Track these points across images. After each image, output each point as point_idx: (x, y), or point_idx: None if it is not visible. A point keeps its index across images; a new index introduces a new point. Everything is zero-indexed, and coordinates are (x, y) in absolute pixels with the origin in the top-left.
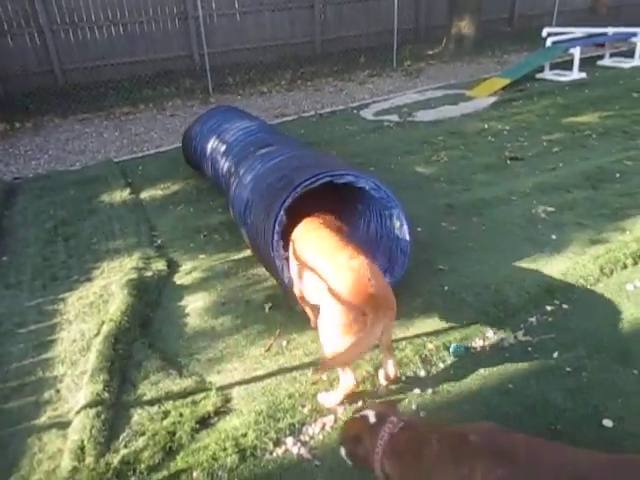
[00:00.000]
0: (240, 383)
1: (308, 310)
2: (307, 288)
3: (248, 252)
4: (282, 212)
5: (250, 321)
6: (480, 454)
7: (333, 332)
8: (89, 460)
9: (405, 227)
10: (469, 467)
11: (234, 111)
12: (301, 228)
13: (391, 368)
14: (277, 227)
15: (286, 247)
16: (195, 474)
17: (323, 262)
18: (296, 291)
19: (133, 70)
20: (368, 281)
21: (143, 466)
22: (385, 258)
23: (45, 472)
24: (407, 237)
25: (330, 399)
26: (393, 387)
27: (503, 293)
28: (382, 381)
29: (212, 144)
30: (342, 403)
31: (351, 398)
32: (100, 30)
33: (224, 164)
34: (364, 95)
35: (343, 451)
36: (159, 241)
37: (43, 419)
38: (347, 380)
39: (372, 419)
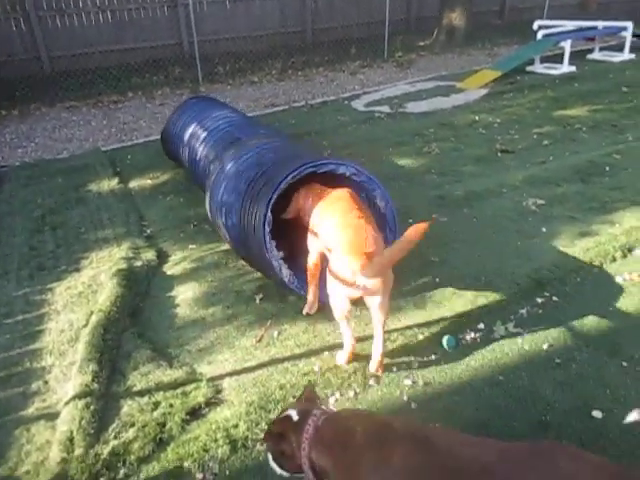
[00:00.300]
0: (231, 374)
1: (312, 290)
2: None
3: None
4: (269, 212)
5: (241, 312)
6: (402, 440)
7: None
8: (78, 451)
9: (390, 205)
10: (390, 451)
11: (209, 101)
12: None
13: (377, 349)
14: (267, 227)
15: (279, 246)
16: (186, 465)
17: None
18: (310, 262)
19: (121, 58)
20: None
21: (133, 457)
22: None
23: (33, 463)
24: (394, 215)
25: (341, 356)
26: (385, 379)
27: (494, 285)
28: (372, 369)
29: (190, 131)
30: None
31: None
32: (88, 17)
33: (199, 154)
34: (355, 86)
35: (270, 457)
36: (148, 231)
37: (31, 410)
38: (344, 335)
39: (295, 417)
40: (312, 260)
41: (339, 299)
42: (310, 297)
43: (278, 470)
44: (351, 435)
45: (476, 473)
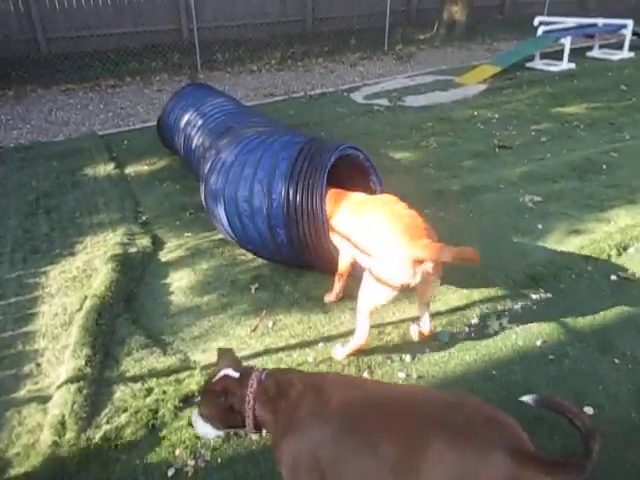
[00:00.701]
0: None
1: (341, 284)
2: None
3: None
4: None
5: (236, 301)
6: (336, 385)
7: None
8: (70, 435)
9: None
10: (327, 394)
11: (207, 89)
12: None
13: (426, 323)
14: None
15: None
16: (177, 452)
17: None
18: (343, 266)
19: (120, 42)
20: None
21: (125, 443)
22: None
23: (24, 446)
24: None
25: (341, 350)
26: (379, 372)
27: (488, 280)
28: (414, 337)
29: (186, 120)
30: (349, 356)
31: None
32: None
33: (196, 142)
34: (354, 78)
35: (199, 416)
36: (144, 217)
37: (23, 393)
38: (363, 330)
39: (235, 374)
40: (345, 263)
41: (386, 291)
42: (337, 288)
43: (207, 431)
44: (291, 385)
45: (402, 406)
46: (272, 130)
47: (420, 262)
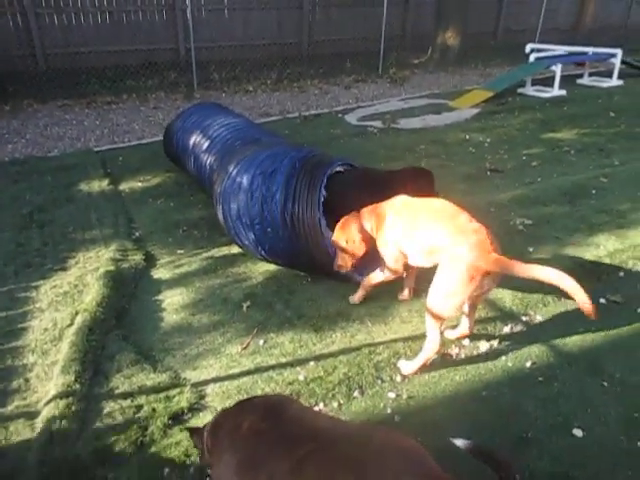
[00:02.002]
0: (215, 380)
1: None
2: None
3: (227, 249)
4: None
5: (227, 319)
6: (254, 410)
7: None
8: (57, 452)
9: None
10: (243, 418)
11: (217, 107)
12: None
13: (471, 324)
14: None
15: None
16: (166, 470)
17: (440, 225)
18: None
19: (117, 59)
20: (491, 244)
21: (114, 459)
22: None
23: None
24: None
25: (410, 366)
26: (369, 391)
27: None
28: (452, 336)
29: (195, 139)
30: (419, 372)
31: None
32: (86, 16)
33: (207, 159)
34: (349, 99)
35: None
36: (137, 233)
37: (11, 408)
38: (433, 342)
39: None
40: (381, 277)
41: (455, 302)
42: (364, 292)
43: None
44: (224, 414)
45: (305, 438)
46: (280, 148)
47: (488, 274)
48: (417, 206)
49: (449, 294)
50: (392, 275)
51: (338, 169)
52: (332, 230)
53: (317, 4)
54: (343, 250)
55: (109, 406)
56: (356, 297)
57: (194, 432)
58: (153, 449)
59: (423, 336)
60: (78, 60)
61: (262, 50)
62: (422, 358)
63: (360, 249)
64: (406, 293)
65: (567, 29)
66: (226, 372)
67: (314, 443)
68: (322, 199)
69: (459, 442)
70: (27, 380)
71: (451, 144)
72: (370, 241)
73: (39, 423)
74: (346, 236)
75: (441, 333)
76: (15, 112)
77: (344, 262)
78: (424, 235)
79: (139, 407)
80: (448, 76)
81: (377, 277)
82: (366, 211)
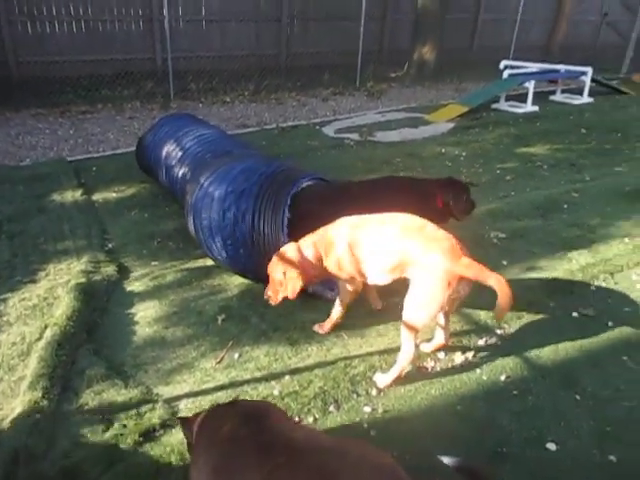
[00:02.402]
0: (188, 395)
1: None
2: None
3: (202, 261)
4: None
5: (202, 332)
6: (235, 416)
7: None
8: (23, 472)
9: None
10: (223, 423)
11: (190, 118)
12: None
13: (446, 335)
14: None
15: None
16: None
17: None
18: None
19: (93, 68)
20: (461, 249)
21: (83, 478)
22: None
23: None
24: None
25: (385, 379)
26: (345, 406)
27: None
28: (428, 349)
29: (167, 150)
30: (394, 384)
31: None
32: (60, 25)
33: (179, 171)
34: (326, 112)
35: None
36: (110, 245)
37: None
38: (408, 353)
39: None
40: (350, 291)
41: (436, 308)
42: (332, 324)
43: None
44: (213, 412)
45: (280, 449)
46: (252, 161)
47: (462, 279)
48: (376, 223)
49: (426, 303)
50: (351, 297)
51: (308, 183)
52: None
53: (295, 17)
54: (278, 282)
55: (78, 423)
56: (325, 328)
57: (186, 422)
58: (123, 467)
59: (399, 349)
60: (52, 69)
61: (240, 61)
62: (397, 370)
63: (297, 282)
64: (377, 303)
65: (540, 46)
66: (200, 387)
67: (287, 454)
68: (286, 220)
69: (446, 460)
70: None
71: (427, 157)
72: (313, 270)
73: (4, 441)
74: (284, 267)
75: (416, 346)
76: None
77: (274, 294)
78: (391, 252)
79: (109, 424)
80: (424, 90)
81: (338, 308)
82: (309, 240)
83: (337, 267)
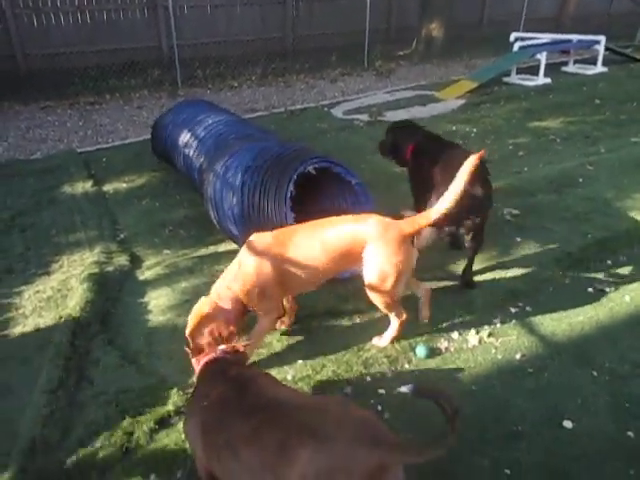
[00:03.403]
0: None
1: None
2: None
3: (214, 248)
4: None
5: None
6: (225, 382)
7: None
8: (40, 460)
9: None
10: (213, 388)
11: (208, 104)
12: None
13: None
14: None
15: None
16: (152, 476)
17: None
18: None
19: (99, 59)
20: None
21: (98, 466)
22: None
23: None
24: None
25: (384, 340)
26: (359, 388)
27: (469, 294)
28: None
29: (186, 134)
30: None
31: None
32: (65, 16)
33: (197, 157)
34: (335, 93)
35: None
36: (122, 235)
37: None
38: (399, 314)
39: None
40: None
41: (405, 271)
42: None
43: None
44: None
45: (263, 408)
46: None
47: (412, 236)
48: (303, 230)
49: (391, 271)
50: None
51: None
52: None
53: None
54: (206, 345)
55: (93, 412)
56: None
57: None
58: (139, 455)
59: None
60: (59, 61)
61: (246, 46)
62: (392, 331)
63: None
64: (287, 320)
65: (551, 17)
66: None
67: (271, 412)
68: (289, 195)
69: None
70: (10, 387)
71: None
72: (239, 313)
73: (21, 431)
74: (209, 327)
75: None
76: None
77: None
78: (332, 243)
79: (124, 412)
80: (433, 67)
81: (264, 329)
82: (220, 287)
83: (264, 294)
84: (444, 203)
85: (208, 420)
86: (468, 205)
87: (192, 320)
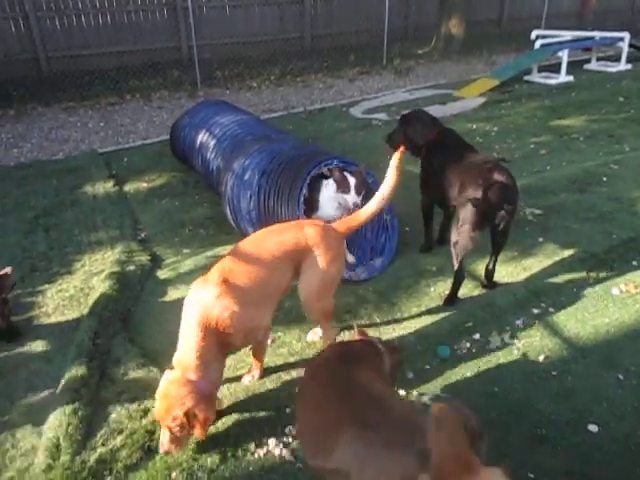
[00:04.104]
0: (223, 382)
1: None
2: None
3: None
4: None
5: None
6: (325, 362)
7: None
8: (64, 458)
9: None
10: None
11: (225, 104)
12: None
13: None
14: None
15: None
16: (174, 474)
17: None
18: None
19: (120, 60)
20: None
21: (120, 465)
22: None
23: (18, 470)
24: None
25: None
26: None
27: (490, 295)
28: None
29: (203, 135)
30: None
31: None
32: (87, 18)
33: (215, 158)
34: (353, 92)
35: None
36: (143, 234)
37: (16, 415)
38: (333, 332)
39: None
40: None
41: (342, 272)
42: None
43: None
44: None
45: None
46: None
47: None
48: (244, 251)
49: (332, 273)
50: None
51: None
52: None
53: None
54: (178, 427)
55: (116, 411)
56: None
57: None
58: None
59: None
60: (80, 62)
61: (264, 46)
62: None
63: (205, 413)
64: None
65: (573, 14)
66: (234, 373)
67: (359, 404)
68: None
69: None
70: (33, 386)
71: None
72: (215, 377)
73: (45, 430)
74: (186, 407)
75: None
76: (19, 116)
77: (176, 443)
78: (274, 257)
79: (146, 411)
80: (453, 65)
81: (256, 374)
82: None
83: (242, 328)
84: (374, 203)
85: (310, 403)
86: (500, 195)
87: (159, 402)
